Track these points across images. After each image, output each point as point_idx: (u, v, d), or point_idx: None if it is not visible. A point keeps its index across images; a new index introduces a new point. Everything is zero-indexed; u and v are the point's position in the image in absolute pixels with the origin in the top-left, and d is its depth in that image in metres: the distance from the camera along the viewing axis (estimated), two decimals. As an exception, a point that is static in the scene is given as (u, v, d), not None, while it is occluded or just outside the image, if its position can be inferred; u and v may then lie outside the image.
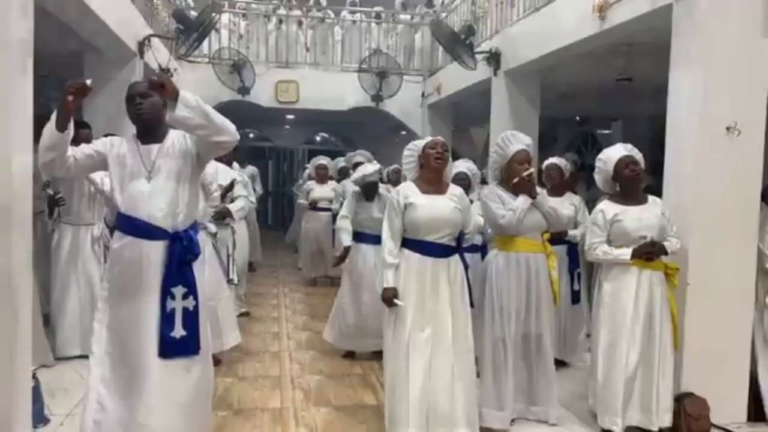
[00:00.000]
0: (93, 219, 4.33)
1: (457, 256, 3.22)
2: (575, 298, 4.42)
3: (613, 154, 3.41)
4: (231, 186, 4.53)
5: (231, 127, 2.57)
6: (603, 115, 9.56)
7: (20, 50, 2.88)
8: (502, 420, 3.28)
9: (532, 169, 3.31)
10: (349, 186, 5.74)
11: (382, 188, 4.70)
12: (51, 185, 4.21)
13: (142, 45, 5.73)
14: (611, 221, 3.30)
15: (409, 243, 3.17)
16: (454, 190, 3.25)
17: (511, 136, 3.42)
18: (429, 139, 3.31)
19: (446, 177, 3.37)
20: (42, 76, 6.47)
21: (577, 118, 10.40)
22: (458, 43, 6.14)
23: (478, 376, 3.29)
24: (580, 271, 4.44)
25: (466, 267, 3.29)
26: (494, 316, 3.31)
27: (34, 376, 3.16)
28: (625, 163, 3.33)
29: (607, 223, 3.31)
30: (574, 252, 4.38)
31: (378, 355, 4.47)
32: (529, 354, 3.36)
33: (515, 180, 3.30)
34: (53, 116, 2.45)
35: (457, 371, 3.04)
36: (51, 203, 4.16)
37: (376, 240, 4.46)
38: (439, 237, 3.12)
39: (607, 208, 3.34)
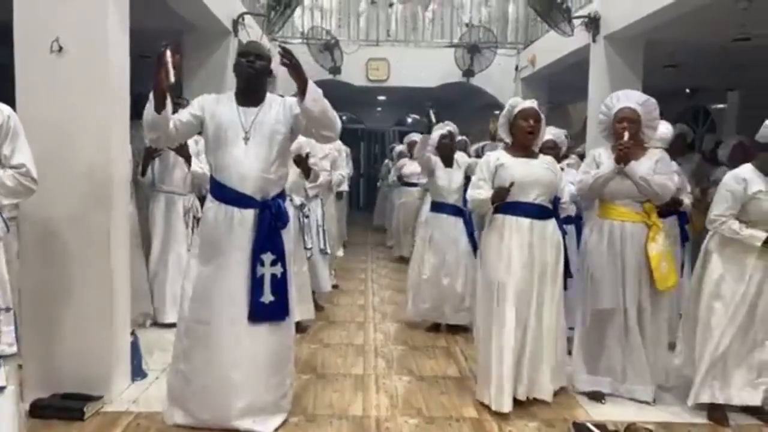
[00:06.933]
0: (185, 190, 4.34)
1: (554, 220, 3.12)
2: None
3: None
4: (306, 157, 4.15)
5: (338, 125, 2.64)
6: (717, 86, 8.72)
7: (117, 27, 3.01)
8: (590, 383, 3.19)
9: (627, 134, 3.06)
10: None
11: (459, 156, 4.53)
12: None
13: (236, 23, 5.88)
14: (751, 197, 2.88)
15: (503, 207, 3.08)
16: (545, 158, 3.22)
17: (621, 95, 3.23)
18: (523, 106, 3.16)
19: (536, 146, 3.24)
20: (144, 56, 6.85)
21: (687, 90, 9.59)
22: (554, 8, 5.80)
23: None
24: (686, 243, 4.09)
25: (563, 234, 3.18)
26: (585, 285, 3.19)
27: (133, 333, 3.35)
28: None
29: (745, 196, 2.88)
30: (683, 222, 4.07)
31: (461, 329, 4.38)
32: (620, 329, 3.13)
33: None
34: (150, 98, 2.51)
35: (547, 337, 3.03)
36: (147, 155, 4.16)
37: (455, 211, 4.36)
38: (534, 197, 3.04)
39: (750, 177, 2.90)
